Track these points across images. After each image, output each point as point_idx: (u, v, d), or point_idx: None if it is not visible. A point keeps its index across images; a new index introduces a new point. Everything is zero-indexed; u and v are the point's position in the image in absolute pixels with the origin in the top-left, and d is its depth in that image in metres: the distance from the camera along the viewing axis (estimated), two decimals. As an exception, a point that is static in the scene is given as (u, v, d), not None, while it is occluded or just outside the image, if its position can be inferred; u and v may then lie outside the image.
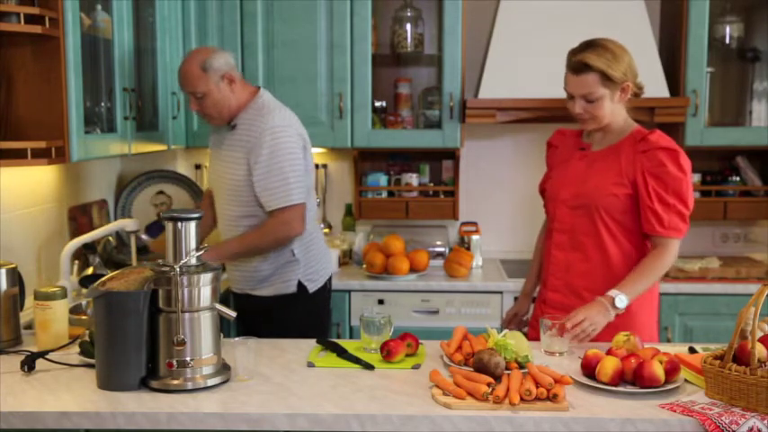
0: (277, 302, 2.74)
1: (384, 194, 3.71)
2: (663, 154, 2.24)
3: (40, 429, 1.74)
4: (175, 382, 1.85)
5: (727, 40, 3.54)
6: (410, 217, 3.68)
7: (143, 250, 3.28)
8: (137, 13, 2.86)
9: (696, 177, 3.58)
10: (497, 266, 3.64)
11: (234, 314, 1.94)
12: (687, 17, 3.39)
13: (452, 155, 3.72)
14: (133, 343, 1.84)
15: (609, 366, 1.84)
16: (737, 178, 3.64)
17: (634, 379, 1.84)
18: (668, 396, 1.81)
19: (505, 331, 2.06)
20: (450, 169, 3.76)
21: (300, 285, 2.74)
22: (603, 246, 2.32)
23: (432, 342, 2.21)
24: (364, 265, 3.49)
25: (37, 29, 2.21)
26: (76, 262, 2.79)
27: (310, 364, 2.06)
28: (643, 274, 2.24)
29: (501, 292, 3.32)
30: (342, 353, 2.12)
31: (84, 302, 2.56)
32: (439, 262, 3.59)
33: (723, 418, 1.65)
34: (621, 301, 2.18)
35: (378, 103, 3.66)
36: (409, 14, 3.59)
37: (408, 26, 3.59)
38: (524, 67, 3.39)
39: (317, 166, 3.66)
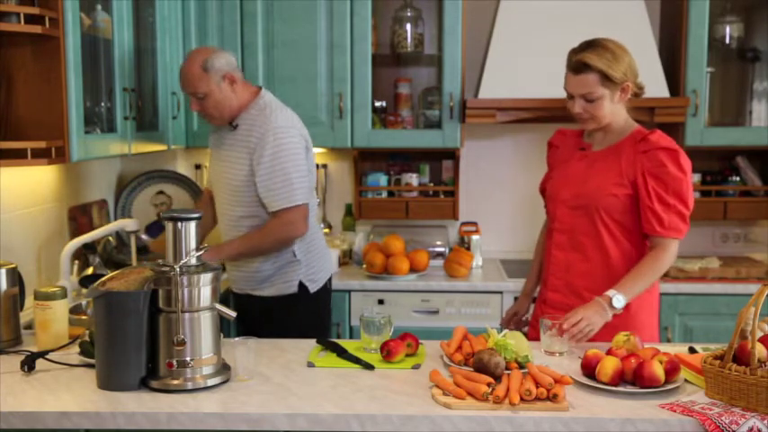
0: (278, 303, 2.74)
1: (384, 194, 3.71)
2: (663, 154, 2.24)
3: (40, 429, 1.74)
4: (175, 382, 1.85)
5: (727, 40, 3.54)
6: (410, 217, 3.68)
7: (143, 250, 3.29)
8: (137, 13, 2.86)
9: (696, 177, 3.58)
10: (497, 266, 3.64)
11: (234, 314, 1.94)
12: (687, 17, 3.39)
13: (452, 155, 3.72)
14: (133, 343, 1.85)
15: (609, 366, 1.84)
16: (737, 178, 3.64)
17: (634, 379, 1.84)
18: (668, 396, 1.81)
19: (505, 331, 2.06)
20: (450, 169, 3.76)
21: (302, 286, 2.74)
22: (603, 246, 2.32)
23: (432, 342, 2.21)
24: (364, 265, 3.49)
25: (37, 29, 2.21)
26: (76, 262, 2.79)
27: (310, 364, 2.06)
28: (641, 275, 2.23)
29: (501, 292, 3.33)
30: (342, 353, 2.12)
31: (84, 302, 2.56)
32: (439, 262, 3.60)
33: (723, 418, 1.65)
34: (619, 301, 2.18)
35: (378, 103, 3.66)
36: (409, 14, 3.59)
37: (408, 26, 3.59)
38: (524, 67, 3.39)
39: (317, 167, 3.66)
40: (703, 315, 3.30)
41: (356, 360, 2.07)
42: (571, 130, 2.53)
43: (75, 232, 2.98)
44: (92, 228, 3.10)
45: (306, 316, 2.75)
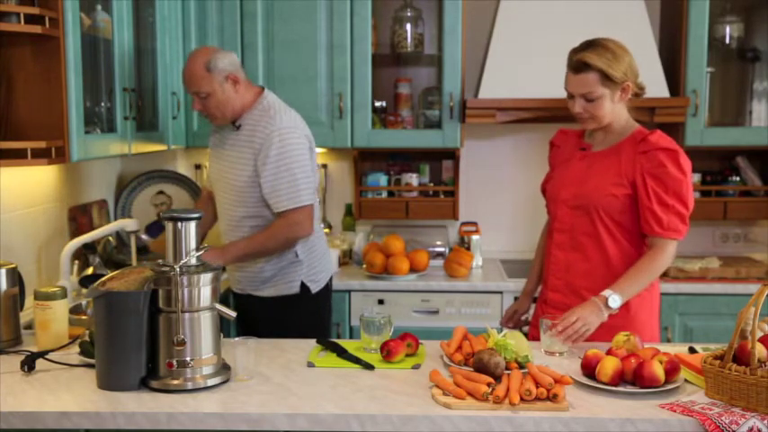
0: (279, 303, 2.74)
1: (384, 194, 3.71)
2: (663, 154, 2.24)
3: (40, 429, 1.74)
4: (175, 382, 1.85)
5: (727, 40, 3.54)
6: (410, 217, 3.68)
7: (143, 250, 3.29)
8: (137, 13, 2.86)
9: (696, 177, 3.58)
10: (497, 266, 3.64)
11: (234, 314, 1.94)
12: (687, 17, 3.39)
13: (452, 155, 3.72)
14: (133, 343, 1.85)
15: (609, 366, 1.84)
16: (737, 178, 3.64)
17: (634, 379, 1.84)
18: (668, 396, 1.81)
19: (505, 331, 2.06)
20: (450, 169, 3.76)
21: (303, 286, 2.74)
22: (603, 246, 2.32)
23: (432, 342, 2.21)
24: (364, 265, 3.49)
25: (37, 29, 2.21)
26: (76, 262, 2.79)
27: (310, 364, 2.06)
28: (638, 275, 2.23)
29: (501, 292, 3.32)
30: (342, 353, 2.12)
31: (84, 302, 2.56)
32: (439, 262, 3.60)
33: (723, 418, 1.65)
34: (615, 301, 2.17)
35: (378, 103, 3.66)
36: (409, 14, 3.59)
37: (408, 26, 3.59)
38: (524, 67, 3.39)
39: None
40: (703, 315, 3.30)
41: (356, 360, 2.07)
42: (572, 129, 2.53)
43: (76, 232, 2.98)
44: (92, 228, 3.10)
45: (306, 316, 2.75)
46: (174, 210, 2.21)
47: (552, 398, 1.74)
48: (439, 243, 3.73)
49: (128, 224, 2.83)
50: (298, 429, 1.72)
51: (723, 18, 3.52)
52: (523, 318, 2.63)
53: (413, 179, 3.72)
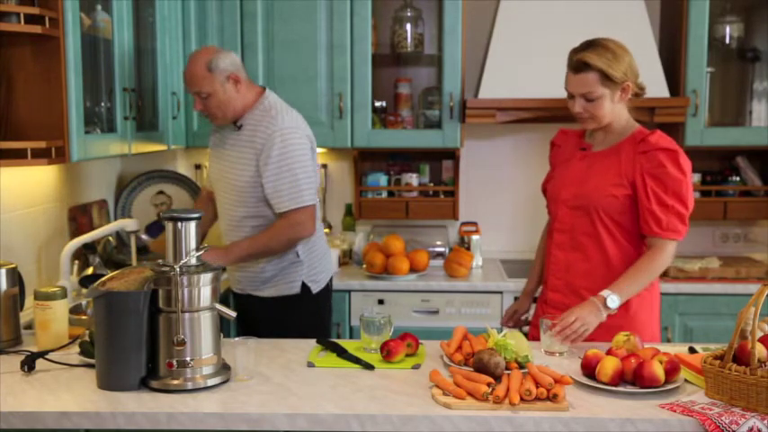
0: (280, 303, 2.74)
1: (384, 194, 3.71)
2: (662, 155, 2.23)
3: (40, 429, 1.74)
4: (175, 382, 1.85)
5: (727, 40, 3.54)
6: (410, 217, 3.68)
7: (143, 250, 3.29)
8: (137, 13, 2.86)
9: (696, 177, 3.58)
10: (497, 266, 3.64)
11: (234, 314, 1.95)
12: (687, 17, 3.39)
13: (452, 155, 3.72)
14: (133, 343, 1.85)
15: (609, 366, 1.84)
16: (737, 178, 3.64)
17: (634, 379, 1.84)
18: (668, 396, 1.81)
19: (505, 331, 2.06)
20: (450, 169, 3.76)
21: (304, 286, 2.74)
22: (603, 246, 2.32)
23: (432, 342, 2.21)
24: (364, 265, 3.49)
25: (37, 29, 2.21)
26: (76, 262, 2.79)
27: (310, 364, 2.06)
28: (637, 275, 2.23)
29: (501, 292, 3.32)
30: (342, 353, 2.12)
31: (84, 302, 2.56)
32: (439, 262, 3.60)
33: (723, 418, 1.65)
34: (613, 301, 2.17)
35: (378, 103, 3.66)
36: (409, 14, 3.59)
37: (408, 26, 3.59)
38: (524, 67, 3.39)
39: (316, 166, 3.67)
40: (703, 315, 3.30)
41: (356, 360, 2.07)
42: (573, 129, 2.53)
43: (76, 232, 2.98)
44: (92, 228, 3.10)
45: (307, 316, 2.75)
46: (174, 210, 2.21)
47: (552, 398, 1.74)
48: (439, 243, 3.73)
49: (128, 224, 2.83)
50: (298, 429, 1.72)
51: (723, 18, 3.52)
52: (523, 318, 2.63)
53: (413, 179, 3.72)
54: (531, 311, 2.63)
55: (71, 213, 3.01)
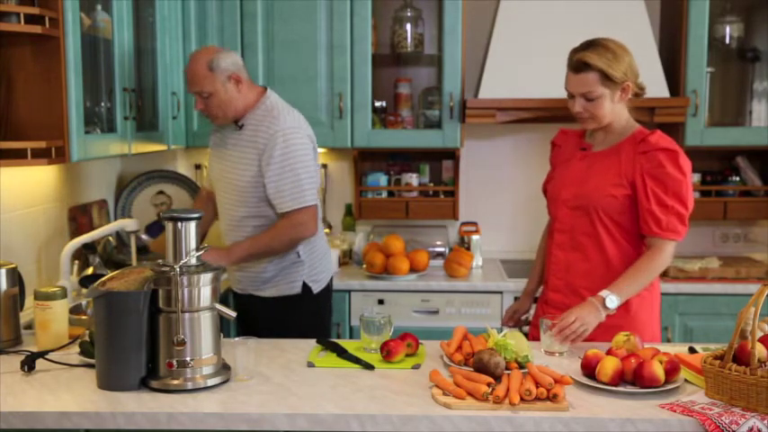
0: (281, 303, 2.74)
1: (384, 194, 3.71)
2: (662, 155, 2.23)
3: (40, 429, 1.74)
4: (175, 382, 1.85)
5: (727, 40, 3.54)
6: (410, 217, 3.68)
7: (143, 250, 3.28)
8: (137, 13, 2.86)
9: (696, 177, 3.58)
10: (497, 266, 3.64)
11: (234, 314, 1.94)
12: (687, 17, 3.39)
13: (452, 155, 3.72)
14: (133, 343, 1.85)
15: (609, 366, 1.84)
16: (737, 178, 3.64)
17: (634, 379, 1.84)
18: (668, 396, 1.81)
19: (505, 331, 2.06)
20: (450, 169, 3.76)
21: (305, 286, 2.74)
22: (603, 246, 2.32)
23: (432, 342, 2.21)
24: (364, 265, 3.49)
25: (37, 29, 2.21)
26: (76, 262, 2.79)
27: (310, 364, 2.06)
28: (636, 275, 2.23)
29: (501, 292, 3.32)
30: (342, 353, 2.12)
31: (84, 302, 2.56)
32: (439, 262, 3.60)
33: (723, 418, 1.65)
34: (612, 301, 2.17)
35: (378, 103, 3.66)
36: (409, 14, 3.59)
37: (408, 26, 3.59)
38: (524, 67, 3.39)
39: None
40: (703, 315, 3.30)
41: (356, 360, 2.07)
42: (573, 130, 2.53)
43: (75, 232, 2.98)
44: (92, 228, 3.10)
45: (308, 316, 2.75)
46: (174, 210, 2.21)
47: (552, 398, 1.74)
48: (439, 243, 3.73)
49: (128, 224, 2.83)
50: (298, 429, 1.72)
51: (723, 18, 3.52)
52: (524, 317, 2.63)
53: (413, 179, 3.72)
54: (532, 311, 2.63)
55: (71, 213, 3.01)
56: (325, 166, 3.86)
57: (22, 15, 2.18)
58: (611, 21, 3.25)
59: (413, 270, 3.42)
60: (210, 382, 1.87)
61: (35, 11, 2.20)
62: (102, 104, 2.66)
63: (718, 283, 3.31)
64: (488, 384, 1.77)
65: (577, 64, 2.26)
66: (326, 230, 3.80)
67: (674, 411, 1.71)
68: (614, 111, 2.30)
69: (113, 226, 2.85)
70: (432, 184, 3.78)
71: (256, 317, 2.77)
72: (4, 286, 2.17)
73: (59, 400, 1.79)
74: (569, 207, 2.37)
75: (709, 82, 3.52)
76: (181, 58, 3.31)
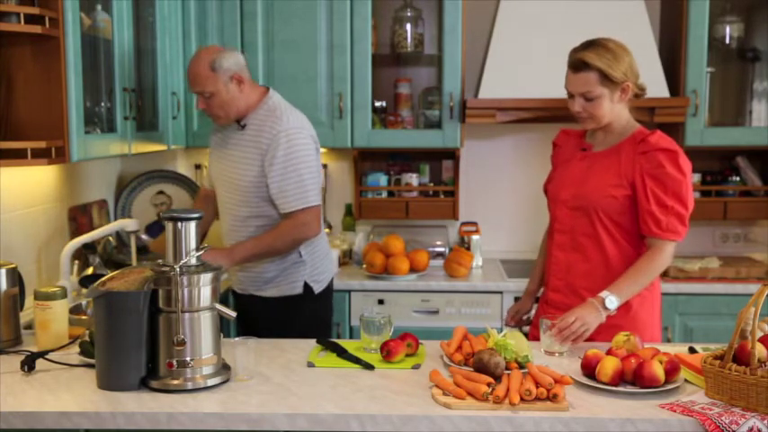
0: (282, 303, 2.74)
1: (384, 194, 3.71)
2: (662, 155, 2.23)
3: (40, 429, 1.74)
4: (175, 382, 1.85)
5: (727, 40, 3.54)
6: (410, 217, 3.68)
7: (143, 250, 3.29)
8: (137, 13, 2.86)
9: (696, 177, 3.58)
10: (497, 266, 3.64)
11: (234, 314, 1.94)
12: (687, 17, 3.39)
13: (452, 155, 3.72)
14: (133, 343, 1.84)
15: (609, 366, 1.84)
16: (737, 178, 3.64)
17: (634, 379, 1.84)
18: (668, 396, 1.81)
19: (505, 331, 2.06)
20: (450, 169, 3.76)
21: (306, 286, 2.74)
22: (603, 246, 2.32)
23: (432, 342, 2.21)
24: (364, 265, 3.49)
25: (37, 29, 2.21)
26: (76, 262, 2.79)
27: (310, 364, 2.06)
28: (636, 275, 2.23)
29: (501, 292, 3.32)
30: (342, 353, 2.12)
31: (84, 302, 2.56)
32: (439, 262, 3.60)
33: (723, 418, 1.65)
34: (612, 302, 2.17)
35: (378, 103, 3.66)
36: (409, 14, 3.59)
37: (408, 26, 3.59)
38: (524, 66, 3.39)
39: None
40: (703, 315, 3.30)
41: (356, 360, 2.07)
42: (574, 130, 2.52)
43: (76, 232, 2.98)
44: (92, 228, 3.10)
45: (309, 317, 2.75)
46: (174, 210, 2.21)
47: (552, 398, 1.74)
48: (439, 243, 3.73)
49: (128, 224, 2.83)
50: (298, 429, 1.72)
51: (723, 18, 3.52)
52: (525, 317, 2.63)
53: (413, 179, 3.72)
54: (533, 312, 2.62)
55: (71, 213, 3.01)
56: (325, 166, 3.86)
57: (22, 15, 2.18)
58: (611, 21, 3.25)
59: (413, 270, 3.42)
60: (210, 382, 1.87)
61: (35, 11, 2.20)
62: (102, 104, 2.66)
63: (718, 283, 3.31)
64: (488, 384, 1.77)
65: (577, 63, 2.26)
66: (326, 230, 3.80)
67: (674, 411, 1.71)
68: (614, 111, 2.30)
69: (113, 226, 2.85)
70: (432, 184, 3.78)
71: (257, 317, 2.77)
72: (4, 286, 2.17)
73: (59, 400, 1.79)
74: (569, 207, 2.37)
75: (709, 82, 3.52)
76: (181, 58, 3.31)
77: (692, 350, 2.10)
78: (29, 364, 1.97)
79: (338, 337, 3.29)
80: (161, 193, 3.58)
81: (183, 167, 3.90)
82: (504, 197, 3.90)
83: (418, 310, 3.36)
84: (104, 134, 2.61)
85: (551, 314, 2.29)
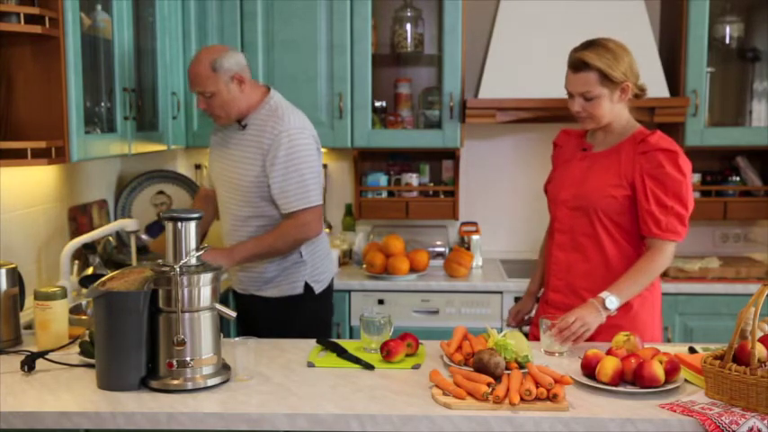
0: (282, 303, 2.74)
1: (384, 194, 3.71)
2: (662, 155, 2.23)
3: (40, 429, 1.74)
4: (175, 382, 1.85)
5: (727, 40, 3.54)
6: (410, 217, 3.68)
7: (143, 250, 3.29)
8: (137, 13, 2.86)
9: (696, 177, 3.58)
10: (497, 266, 3.64)
11: (234, 314, 1.94)
12: (687, 17, 3.39)
13: (452, 155, 3.72)
14: (133, 343, 1.84)
15: (609, 366, 1.84)
16: (737, 178, 3.64)
17: (634, 379, 1.84)
18: (668, 396, 1.81)
19: (505, 331, 2.06)
20: (450, 169, 3.76)
21: (307, 286, 2.73)
22: (602, 247, 2.32)
23: (432, 342, 2.21)
24: (364, 265, 3.49)
25: (37, 29, 2.21)
26: (76, 262, 2.79)
27: (310, 364, 2.06)
28: (637, 276, 2.23)
29: (501, 292, 3.32)
30: (342, 353, 2.12)
31: (84, 302, 2.56)
32: (439, 262, 3.60)
33: (723, 418, 1.65)
34: (612, 302, 2.17)
35: (378, 103, 3.66)
36: (409, 14, 3.59)
37: (408, 26, 3.59)
38: (524, 66, 3.39)
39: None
40: (703, 315, 3.30)
41: (356, 360, 2.07)
42: (575, 130, 2.52)
43: (75, 232, 2.98)
44: (92, 228, 3.10)
45: (309, 317, 2.75)
46: (174, 210, 2.21)
47: (552, 398, 1.74)
48: (439, 243, 3.73)
49: (128, 224, 2.83)
50: (298, 429, 1.72)
51: (723, 18, 3.52)
52: (527, 318, 2.63)
53: (413, 179, 3.72)
54: (534, 312, 2.62)
55: (71, 213, 3.01)
56: (325, 166, 3.85)
57: (22, 15, 2.18)
58: (611, 21, 3.26)
59: (413, 270, 3.42)
60: (210, 382, 1.87)
61: (35, 11, 2.20)
62: (102, 104, 2.66)
63: (718, 283, 3.31)
64: (488, 384, 1.77)
65: (577, 63, 2.26)
66: (326, 230, 3.80)
67: (674, 411, 1.71)
68: (613, 111, 2.30)
69: (113, 226, 2.85)
70: (432, 184, 3.78)
71: (257, 317, 2.77)
72: (4, 286, 2.17)
73: (59, 400, 1.79)
74: (569, 207, 2.36)
75: (709, 82, 3.52)
76: (181, 58, 3.31)
77: (692, 350, 2.10)
78: (29, 364, 1.97)
79: (338, 337, 3.29)
80: (161, 193, 3.58)
81: (183, 167, 3.90)
82: (504, 197, 3.90)
83: (418, 310, 3.36)
84: (104, 134, 2.61)
85: (551, 314, 2.29)
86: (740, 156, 3.66)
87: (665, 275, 3.26)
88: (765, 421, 1.64)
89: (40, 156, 2.25)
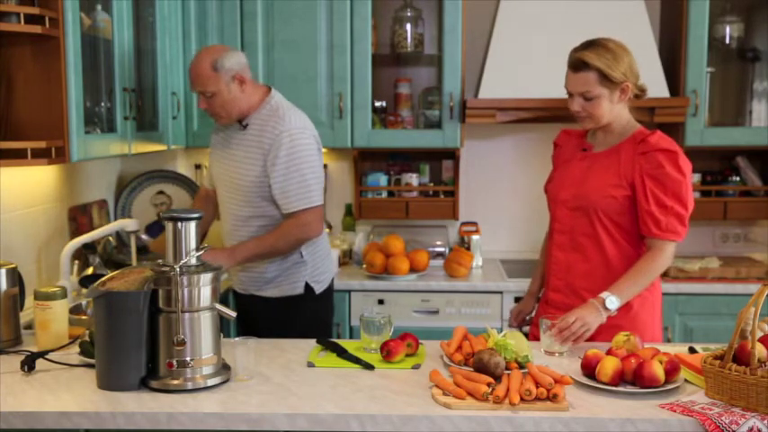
0: (283, 303, 2.74)
1: (384, 194, 3.71)
2: (662, 155, 2.23)
3: (39, 429, 1.74)
4: (175, 382, 1.85)
5: (727, 40, 3.54)
6: (410, 217, 3.68)
7: (143, 250, 3.29)
8: (137, 13, 2.86)
9: (696, 177, 3.58)
10: (497, 266, 3.64)
11: (234, 314, 1.94)
12: (687, 17, 3.39)
13: (452, 155, 3.72)
14: (133, 343, 1.84)
15: (609, 366, 1.84)
16: (737, 178, 3.64)
17: (634, 379, 1.84)
18: (668, 396, 1.81)
19: (505, 331, 2.06)
20: (450, 169, 3.76)
21: (307, 286, 2.73)
22: (602, 247, 2.32)
23: (432, 342, 2.21)
24: (364, 265, 3.49)
25: (37, 29, 2.21)
26: (76, 262, 2.79)
27: (310, 364, 2.06)
28: (637, 276, 2.23)
29: (501, 292, 3.32)
30: (342, 353, 2.12)
31: (84, 302, 2.56)
32: (439, 262, 3.60)
33: (723, 418, 1.65)
34: (612, 302, 2.17)
35: (378, 103, 3.66)
36: (409, 14, 3.59)
37: (408, 26, 3.59)
38: (524, 66, 3.39)
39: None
40: (703, 315, 3.30)
41: (356, 360, 2.07)
42: (575, 130, 2.52)
43: (75, 232, 2.98)
44: (92, 228, 3.10)
45: (309, 317, 2.75)
46: (174, 210, 2.21)
47: (552, 398, 1.74)
48: (439, 243, 3.73)
49: (128, 224, 2.83)
50: (298, 429, 1.72)
51: (723, 18, 3.52)
52: (528, 318, 2.63)
53: (413, 179, 3.72)
54: (535, 312, 2.62)
55: (71, 213, 3.01)
56: (325, 166, 3.84)
57: (22, 15, 2.18)
58: (611, 21, 3.26)
59: (413, 270, 3.42)
60: (210, 382, 1.87)
61: (35, 11, 2.20)
62: (102, 104, 2.66)
63: (718, 283, 3.31)
64: (488, 384, 1.77)
65: (577, 63, 2.26)
66: (327, 230, 3.80)
67: (674, 411, 1.71)
68: (613, 111, 2.30)
69: (113, 226, 2.85)
70: (432, 184, 3.78)
71: (257, 317, 2.77)
72: (4, 286, 2.17)
73: (59, 400, 1.79)
74: (569, 208, 2.36)
75: (709, 82, 3.52)
76: (181, 58, 3.31)
77: (692, 350, 2.10)
78: (29, 364, 1.97)
79: (338, 337, 3.29)
80: (161, 193, 3.58)
81: (183, 167, 3.90)
82: (504, 197, 3.90)
83: (418, 310, 3.36)
84: (104, 134, 2.61)
85: (551, 314, 2.29)
86: (740, 156, 3.66)
87: (665, 275, 3.26)
88: (765, 421, 1.64)
89: (40, 156, 2.25)
